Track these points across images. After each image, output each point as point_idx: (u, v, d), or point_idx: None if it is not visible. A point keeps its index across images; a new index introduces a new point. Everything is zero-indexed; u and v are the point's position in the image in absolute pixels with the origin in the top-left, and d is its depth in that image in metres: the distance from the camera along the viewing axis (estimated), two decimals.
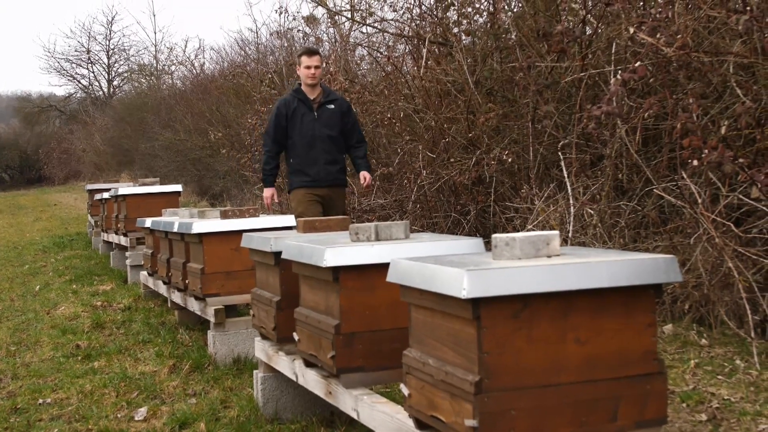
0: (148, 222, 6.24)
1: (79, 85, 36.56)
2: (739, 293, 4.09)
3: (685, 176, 4.71)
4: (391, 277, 2.36)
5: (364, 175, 5.79)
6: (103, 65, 35.76)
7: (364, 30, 10.25)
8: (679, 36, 4.64)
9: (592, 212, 5.30)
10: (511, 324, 2.03)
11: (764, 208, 4.31)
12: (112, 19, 44.38)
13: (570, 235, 5.23)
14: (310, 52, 5.67)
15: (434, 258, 2.36)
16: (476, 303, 1.99)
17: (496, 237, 2.25)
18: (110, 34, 36.16)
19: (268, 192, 5.83)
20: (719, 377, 3.73)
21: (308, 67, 5.59)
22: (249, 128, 11.47)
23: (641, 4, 5.33)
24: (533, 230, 5.91)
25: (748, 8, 4.35)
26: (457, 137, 7.27)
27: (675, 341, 4.31)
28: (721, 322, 4.36)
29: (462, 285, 1.97)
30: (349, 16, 10.29)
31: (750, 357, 3.86)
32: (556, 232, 2.29)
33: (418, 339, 2.34)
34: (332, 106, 5.70)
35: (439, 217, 7.43)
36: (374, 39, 10.03)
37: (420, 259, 2.30)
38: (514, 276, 2.02)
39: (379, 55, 9.59)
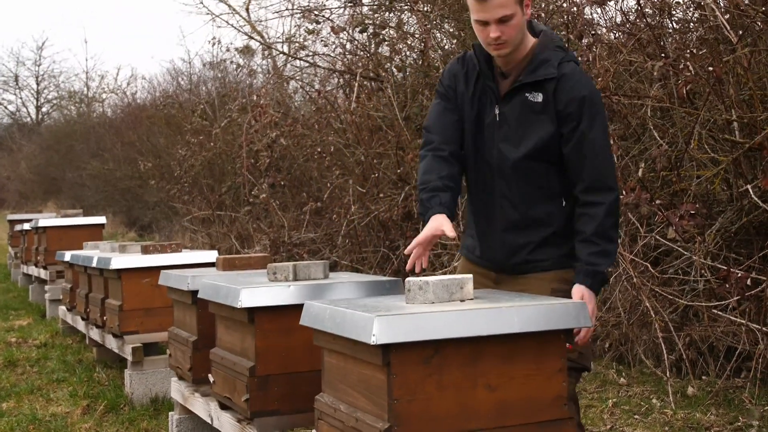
0: (68, 256, 6.07)
1: (6, 111, 35.67)
2: (656, 332, 4.17)
3: None
4: (304, 320, 2.33)
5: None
6: (32, 91, 34.99)
7: (298, 63, 10.27)
8: (600, 79, 4.76)
9: None
10: (421, 370, 2.01)
11: (680, 248, 4.41)
12: (43, 45, 43.58)
13: None
14: None
15: (347, 301, 2.34)
16: (386, 349, 1.97)
17: (410, 281, 2.24)
18: (40, 59, 35.45)
19: None
20: (636, 416, 3.77)
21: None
22: (179, 159, 11.32)
23: (565, 46, 5.44)
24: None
25: (663, 55, 4.49)
26: (386, 172, 7.29)
27: (595, 380, 4.36)
28: (640, 360, 4.43)
29: (372, 331, 1.95)
30: (283, 48, 10.31)
31: (666, 396, 3.92)
32: (470, 275, 2.28)
33: (330, 384, 2.31)
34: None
35: (368, 252, 7.42)
36: (308, 72, 10.05)
37: (333, 302, 2.27)
38: (425, 321, 2.00)
39: (311, 89, 9.60)
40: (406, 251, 2.51)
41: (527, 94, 2.50)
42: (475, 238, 2.65)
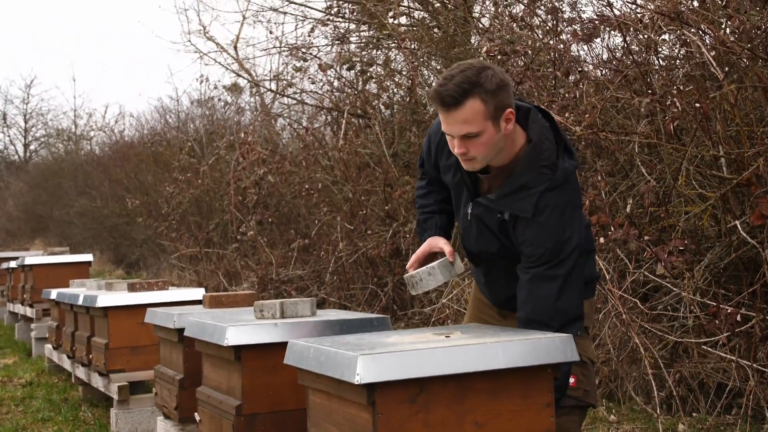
0: (54, 293, 6.01)
1: None
2: (645, 369, 4.14)
3: None
4: (289, 359, 2.30)
5: None
6: (20, 129, 34.97)
7: (286, 101, 10.31)
8: (587, 115, 4.78)
9: None
10: (407, 409, 1.98)
11: (669, 285, 4.41)
12: (31, 83, 43.59)
13: None
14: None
15: (331, 339, 2.31)
16: (371, 388, 1.95)
17: (414, 273, 2.40)
18: (28, 97, 35.47)
19: None
20: None
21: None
22: (167, 196, 11.31)
23: (553, 83, 5.49)
24: (449, 304, 5.92)
25: (650, 91, 4.52)
26: (374, 209, 7.29)
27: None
28: (630, 397, 4.40)
29: (356, 370, 1.92)
30: (271, 86, 10.36)
31: None
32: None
33: (316, 423, 2.28)
34: None
35: (356, 289, 7.39)
36: (295, 109, 10.08)
37: (317, 341, 2.25)
38: (410, 359, 1.98)
39: (298, 126, 9.63)
40: (407, 267, 2.50)
41: (498, 214, 2.32)
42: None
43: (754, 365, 3.87)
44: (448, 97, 2.18)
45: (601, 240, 4.27)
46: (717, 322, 3.85)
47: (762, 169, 4.01)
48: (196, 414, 3.21)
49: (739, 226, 4.11)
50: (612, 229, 4.26)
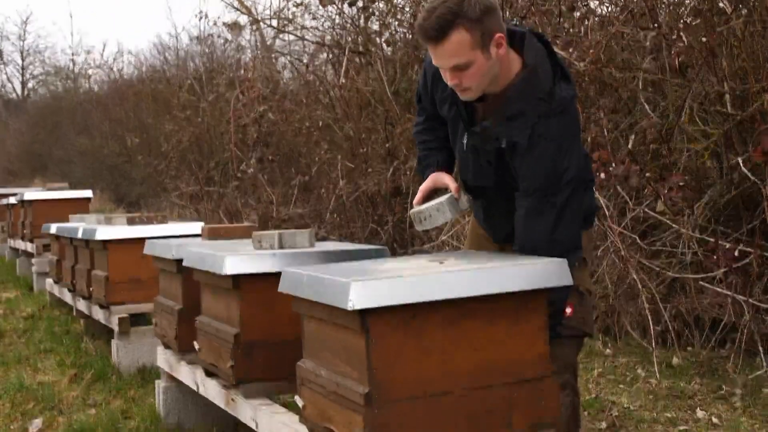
0: (54, 228, 6.02)
1: None
2: (642, 304, 4.17)
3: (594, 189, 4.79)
4: (283, 287, 2.30)
5: None
6: (17, 66, 34.67)
7: (287, 38, 10.19)
8: (591, 50, 4.72)
9: None
10: (400, 334, 1.98)
11: (668, 221, 4.40)
12: (27, 19, 43.07)
13: None
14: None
15: (325, 267, 2.31)
16: (364, 314, 1.94)
17: (420, 208, 2.36)
18: (24, 34, 35.11)
19: None
20: (621, 386, 3.78)
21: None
22: (167, 134, 11.25)
23: (558, 19, 5.41)
24: (449, 241, 5.93)
25: (656, 25, 4.46)
26: (375, 147, 7.25)
27: (581, 350, 4.36)
28: (626, 332, 4.44)
29: (348, 296, 1.92)
30: (272, 23, 10.22)
31: (651, 366, 3.92)
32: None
33: (311, 350, 2.29)
34: None
35: (356, 228, 7.39)
36: (296, 47, 9.97)
37: (310, 269, 2.25)
38: (403, 285, 1.97)
39: (299, 63, 9.53)
40: (414, 203, 2.45)
41: (495, 143, 2.25)
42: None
43: (750, 300, 3.89)
44: (431, 30, 2.11)
45: (602, 176, 4.25)
46: (715, 257, 3.86)
47: (767, 105, 3.97)
48: (195, 343, 3.24)
49: (741, 162, 4.09)
50: (613, 165, 4.23)
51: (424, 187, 2.47)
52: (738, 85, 4.24)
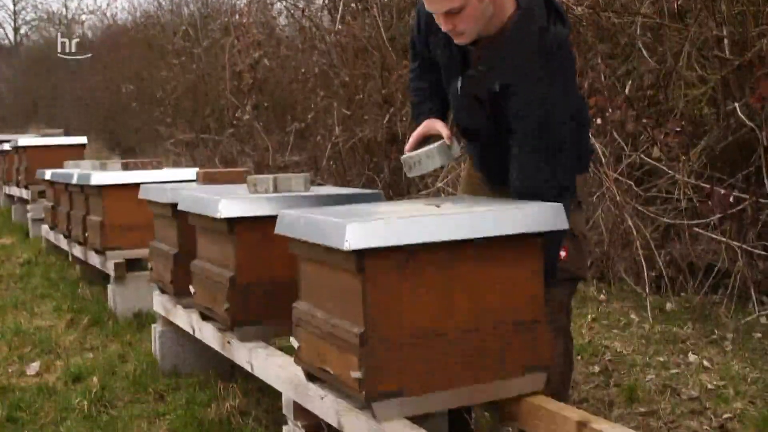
0: (48, 174, 6.01)
1: None
2: (637, 251, 4.18)
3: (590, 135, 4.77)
4: (279, 228, 2.31)
5: None
6: (9, 12, 34.16)
7: None
8: None
9: None
10: (396, 275, 1.99)
11: (664, 167, 4.40)
12: None
13: None
14: None
15: (321, 209, 2.31)
16: (360, 254, 1.95)
17: (412, 154, 2.35)
18: None
19: None
20: (614, 331, 3.81)
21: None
22: (162, 81, 11.15)
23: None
24: (444, 188, 5.93)
25: None
26: (371, 94, 7.20)
27: (575, 296, 4.38)
28: (620, 278, 4.46)
29: (344, 237, 1.92)
30: None
31: (644, 311, 3.95)
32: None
33: (307, 291, 2.30)
34: None
35: (353, 174, 7.38)
36: None
37: (307, 210, 2.25)
38: (399, 226, 1.97)
39: (295, 9, 9.40)
40: (406, 149, 2.45)
41: (488, 85, 2.23)
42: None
43: (744, 246, 3.90)
44: None
45: (599, 121, 4.23)
46: (710, 203, 3.86)
47: (766, 49, 3.94)
48: (190, 287, 3.25)
49: (738, 108, 4.07)
50: (610, 110, 4.21)
51: (416, 134, 2.47)
52: (737, 29, 4.20)
